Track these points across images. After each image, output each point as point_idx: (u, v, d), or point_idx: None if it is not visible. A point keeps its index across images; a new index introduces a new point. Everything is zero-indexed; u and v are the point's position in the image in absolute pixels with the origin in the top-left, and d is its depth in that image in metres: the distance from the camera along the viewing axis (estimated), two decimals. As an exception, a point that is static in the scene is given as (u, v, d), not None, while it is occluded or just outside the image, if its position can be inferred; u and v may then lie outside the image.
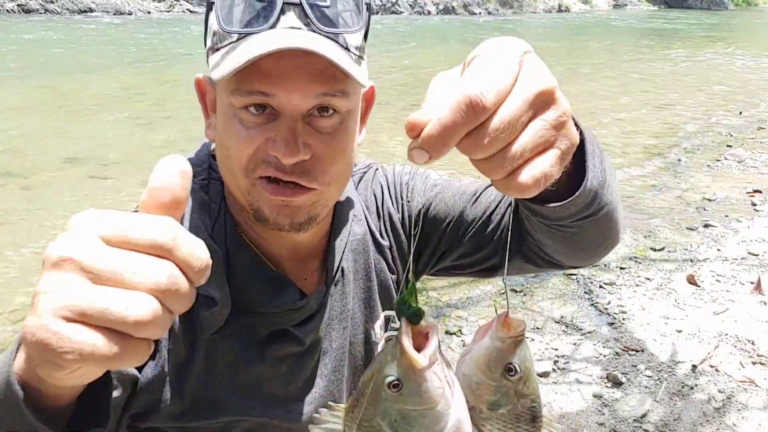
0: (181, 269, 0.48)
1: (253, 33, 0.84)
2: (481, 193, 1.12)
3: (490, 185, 1.11)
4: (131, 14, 23.01)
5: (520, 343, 0.62)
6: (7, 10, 21.17)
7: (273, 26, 0.84)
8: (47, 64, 11.76)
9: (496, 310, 0.65)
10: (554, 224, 0.87)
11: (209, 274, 0.51)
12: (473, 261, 1.13)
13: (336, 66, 0.85)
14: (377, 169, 1.19)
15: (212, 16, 0.90)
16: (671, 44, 18.95)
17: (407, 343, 0.57)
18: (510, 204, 1.07)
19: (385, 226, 1.15)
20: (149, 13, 23.63)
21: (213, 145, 1.09)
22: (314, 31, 0.85)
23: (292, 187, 0.90)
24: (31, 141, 7.00)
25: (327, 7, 0.86)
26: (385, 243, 1.14)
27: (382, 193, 1.16)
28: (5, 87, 9.69)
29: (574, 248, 0.95)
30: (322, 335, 1.05)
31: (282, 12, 0.84)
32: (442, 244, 1.13)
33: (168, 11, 24.27)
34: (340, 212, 1.07)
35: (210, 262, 0.50)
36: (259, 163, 0.89)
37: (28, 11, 21.57)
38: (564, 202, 0.78)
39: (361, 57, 0.92)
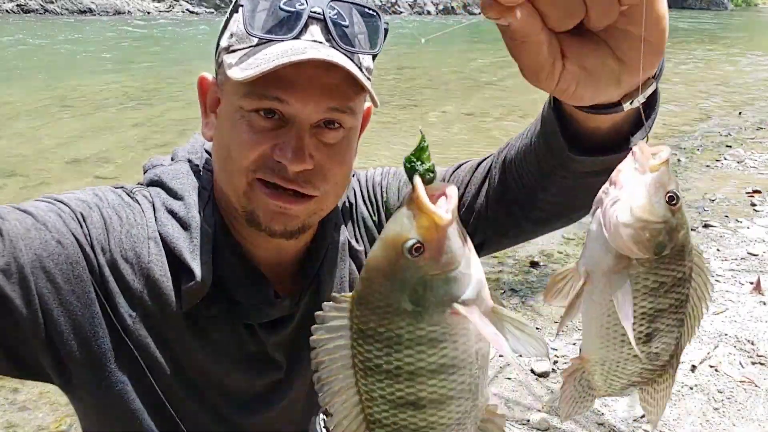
0: None
1: (277, 40, 0.86)
2: (449, 177, 1.12)
3: (459, 166, 1.12)
4: (131, 14, 23.01)
5: (668, 167, 0.57)
6: (7, 11, 21.17)
7: (297, 37, 0.86)
8: (47, 65, 11.76)
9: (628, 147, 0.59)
10: (591, 174, 0.83)
11: None
12: None
13: (355, 82, 0.88)
14: (353, 175, 1.20)
15: (236, 17, 0.92)
16: (670, 44, 18.93)
17: (425, 199, 0.51)
18: (484, 178, 1.06)
19: (359, 230, 1.16)
20: (149, 13, 23.64)
21: (205, 142, 1.09)
22: (335, 48, 0.88)
23: (291, 194, 0.91)
24: (31, 141, 7.00)
25: (346, 26, 0.89)
26: (360, 248, 1.14)
27: (356, 197, 1.17)
28: (5, 87, 9.69)
29: (582, 204, 0.92)
30: (290, 341, 1.04)
31: (306, 25, 0.87)
32: None
33: (168, 11, 24.28)
34: (324, 221, 1.07)
35: None
36: (261, 167, 0.90)
37: (27, 11, 21.57)
38: (650, 121, 0.74)
39: (369, 78, 0.95)
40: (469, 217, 1.08)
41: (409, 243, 0.51)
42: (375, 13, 0.94)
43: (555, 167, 0.87)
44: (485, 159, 1.10)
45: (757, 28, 28.58)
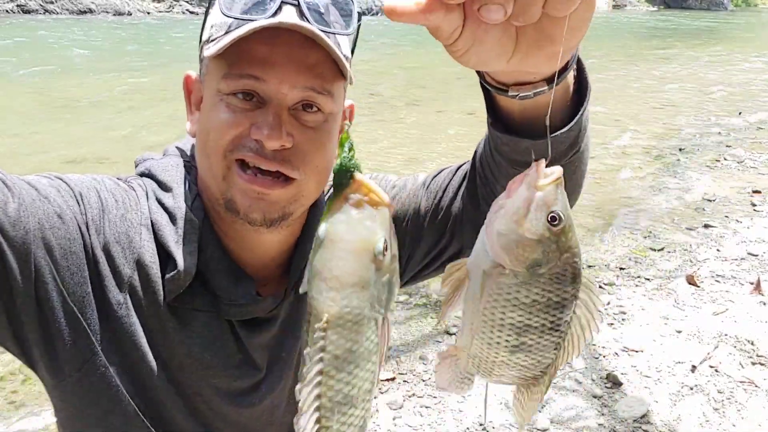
0: None
1: (252, 20, 0.87)
2: (430, 182, 1.11)
3: (440, 171, 1.12)
4: (131, 14, 23.02)
5: (559, 188, 0.58)
6: (7, 11, 21.17)
7: (272, 17, 0.87)
8: (47, 65, 11.75)
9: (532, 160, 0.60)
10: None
11: None
12: (436, 254, 1.11)
13: (333, 64, 0.89)
14: None
15: (213, 9, 0.94)
16: (670, 45, 18.96)
17: (380, 192, 0.52)
18: (463, 179, 1.06)
19: None
20: (148, 13, 23.65)
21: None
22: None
23: (271, 179, 0.90)
24: (30, 142, 7.00)
25: (322, 13, 0.90)
26: None
27: None
28: (5, 87, 9.69)
29: None
30: (271, 343, 1.04)
31: (280, 7, 0.88)
32: (407, 246, 1.12)
33: (167, 11, 24.29)
34: (310, 219, 1.06)
35: None
36: (239, 147, 0.90)
37: (27, 11, 21.57)
38: (570, 124, 0.78)
39: (347, 63, 0.95)
40: (446, 222, 1.07)
41: (380, 244, 0.49)
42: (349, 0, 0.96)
43: (494, 152, 0.89)
44: (465, 163, 1.09)
45: (756, 28, 28.57)
